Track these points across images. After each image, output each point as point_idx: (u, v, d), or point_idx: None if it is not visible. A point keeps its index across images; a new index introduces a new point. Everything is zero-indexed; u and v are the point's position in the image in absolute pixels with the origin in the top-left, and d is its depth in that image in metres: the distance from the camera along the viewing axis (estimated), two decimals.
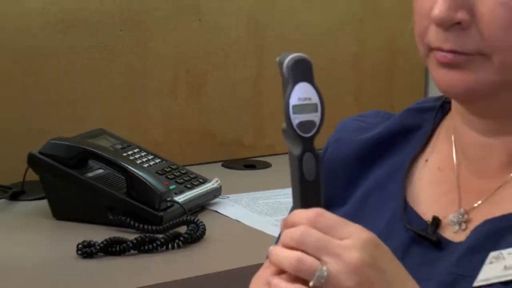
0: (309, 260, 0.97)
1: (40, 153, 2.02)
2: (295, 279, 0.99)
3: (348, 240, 0.99)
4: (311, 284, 0.97)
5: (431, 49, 1.14)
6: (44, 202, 2.06)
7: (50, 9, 2.32)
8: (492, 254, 1.12)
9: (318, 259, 0.98)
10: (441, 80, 1.14)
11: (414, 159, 1.29)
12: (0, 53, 2.28)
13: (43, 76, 2.33)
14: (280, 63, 1.04)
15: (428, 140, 1.30)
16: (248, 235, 2.01)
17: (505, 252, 1.11)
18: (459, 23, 1.09)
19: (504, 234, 1.13)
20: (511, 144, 1.19)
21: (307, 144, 1.04)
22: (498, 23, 1.09)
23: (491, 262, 1.12)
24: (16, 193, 2.17)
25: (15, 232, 1.99)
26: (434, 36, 1.12)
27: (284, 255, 0.99)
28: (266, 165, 2.56)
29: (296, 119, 1.03)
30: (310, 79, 1.04)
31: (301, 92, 1.02)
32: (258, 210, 2.15)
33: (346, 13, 2.78)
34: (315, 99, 1.02)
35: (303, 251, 0.98)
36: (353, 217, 1.17)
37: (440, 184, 1.26)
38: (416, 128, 1.32)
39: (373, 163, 1.32)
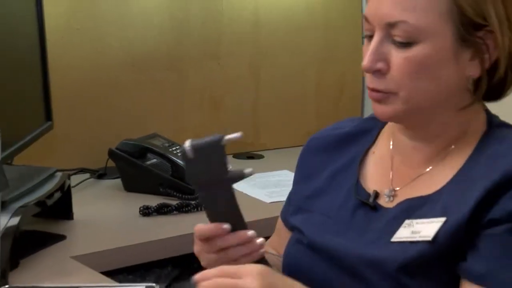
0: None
1: (117, 148, 2.15)
2: None
3: (248, 276, 1.04)
4: None
5: (368, 88, 1.17)
6: (119, 181, 2.19)
7: (124, 49, 2.42)
8: (406, 221, 1.15)
9: None
10: (374, 110, 1.19)
11: (366, 151, 1.31)
12: (91, 80, 2.36)
13: (117, 98, 2.42)
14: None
15: (376, 138, 1.32)
16: (248, 200, 2.06)
17: (414, 221, 1.13)
18: (379, 70, 1.13)
19: (416, 209, 1.16)
20: (426, 148, 1.21)
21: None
22: (402, 71, 1.11)
23: (404, 227, 1.14)
24: (100, 175, 2.29)
25: (100, 199, 2.10)
26: (367, 79, 1.17)
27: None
28: (261, 157, 2.64)
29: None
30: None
31: None
32: (256, 185, 2.21)
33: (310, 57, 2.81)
34: None
35: None
36: (323, 190, 1.32)
37: (380, 169, 1.28)
38: (370, 130, 1.33)
39: (340, 152, 1.34)
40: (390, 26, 1.11)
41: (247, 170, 1.14)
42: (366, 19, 1.15)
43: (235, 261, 1.18)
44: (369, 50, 1.13)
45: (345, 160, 1.33)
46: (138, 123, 2.42)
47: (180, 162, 2.12)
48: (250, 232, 1.18)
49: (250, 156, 2.65)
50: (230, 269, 1.07)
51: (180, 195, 2.05)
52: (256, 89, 2.72)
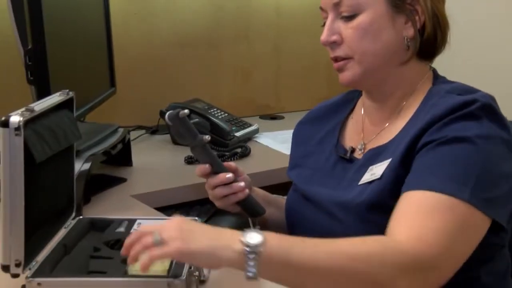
0: (148, 237, 0.92)
1: (166, 110, 2.06)
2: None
3: (164, 223, 0.94)
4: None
5: (331, 59, 1.21)
6: (168, 136, 2.19)
7: (171, 30, 2.41)
8: (370, 167, 1.16)
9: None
10: (339, 79, 1.21)
11: (346, 117, 1.33)
12: (145, 55, 2.36)
13: (166, 69, 2.41)
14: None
15: (354, 106, 1.34)
16: (272, 153, 2.07)
17: (374, 166, 1.15)
18: (335, 42, 1.17)
19: (376, 157, 1.17)
20: (384, 107, 1.22)
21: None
22: (352, 38, 1.15)
23: (368, 172, 1.16)
24: (154, 131, 2.28)
25: (153, 150, 2.10)
26: (329, 50, 1.20)
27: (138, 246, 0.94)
28: (282, 118, 2.62)
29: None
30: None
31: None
32: (277, 140, 2.19)
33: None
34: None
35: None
36: (312, 151, 1.33)
37: (355, 129, 1.30)
38: (351, 99, 1.35)
39: (327, 120, 1.36)
40: (337, 5, 1.16)
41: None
42: (321, 9, 1.20)
43: (225, 197, 1.26)
44: (325, 27, 1.18)
45: (330, 127, 1.34)
46: (183, 90, 2.42)
47: (216, 121, 2.12)
48: (228, 175, 1.25)
49: (273, 117, 2.64)
50: (148, 226, 0.99)
51: (217, 148, 2.05)
52: (278, 63, 2.71)
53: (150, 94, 2.37)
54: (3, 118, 0.94)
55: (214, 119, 2.12)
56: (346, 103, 1.36)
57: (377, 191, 1.10)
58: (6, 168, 0.94)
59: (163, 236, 0.92)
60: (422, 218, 0.98)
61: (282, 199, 1.40)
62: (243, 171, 1.34)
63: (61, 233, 1.19)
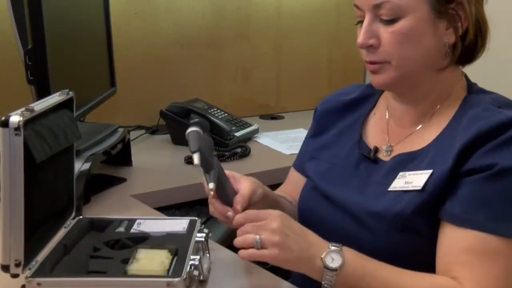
0: (250, 236, 1.04)
1: (166, 110, 2.15)
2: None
3: (268, 219, 1.05)
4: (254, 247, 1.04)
5: (366, 62, 1.16)
6: (168, 136, 2.19)
7: (172, 30, 2.40)
8: (400, 173, 1.14)
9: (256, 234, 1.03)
10: (372, 81, 1.18)
11: (368, 113, 1.30)
12: (146, 55, 2.34)
13: (167, 69, 2.40)
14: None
15: (376, 102, 1.30)
16: (272, 153, 2.08)
17: (407, 173, 1.12)
18: (372, 45, 1.13)
19: (408, 163, 1.15)
20: (415, 110, 1.19)
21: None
22: (391, 43, 1.11)
23: (398, 178, 1.13)
24: (153, 131, 2.28)
25: (153, 150, 2.09)
26: (364, 54, 1.16)
27: (240, 239, 1.05)
28: (282, 118, 2.62)
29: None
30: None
31: None
32: (277, 140, 2.21)
33: (323, 37, 2.74)
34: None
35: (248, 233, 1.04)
36: (330, 143, 1.31)
37: (379, 128, 1.26)
38: (372, 94, 1.32)
39: (347, 114, 1.32)
40: (376, 7, 1.11)
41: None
42: (356, 7, 1.16)
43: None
44: (362, 29, 1.13)
45: (350, 121, 1.31)
46: (184, 90, 2.42)
47: (216, 121, 2.12)
48: (229, 213, 1.15)
49: (274, 117, 2.64)
50: (252, 214, 1.08)
51: (217, 148, 2.05)
52: (279, 63, 2.71)
53: (150, 94, 2.37)
54: (3, 118, 0.94)
55: (214, 119, 2.12)
56: (368, 97, 1.32)
57: (418, 203, 1.08)
58: (6, 168, 0.94)
59: (263, 237, 1.02)
60: (482, 265, 1.01)
61: (285, 202, 1.36)
62: (241, 179, 1.22)
63: (61, 233, 1.19)
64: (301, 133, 2.28)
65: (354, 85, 1.39)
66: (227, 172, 1.16)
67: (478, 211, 1.03)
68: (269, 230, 1.03)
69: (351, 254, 1.05)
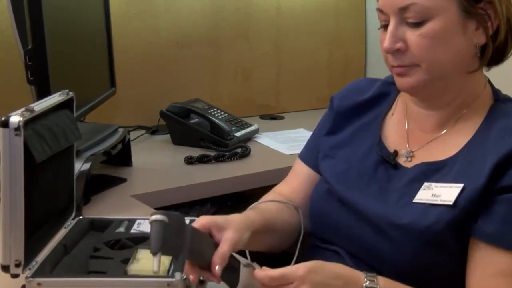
0: None
1: (166, 110, 2.14)
2: None
3: (295, 282, 0.94)
4: None
5: (392, 66, 1.11)
6: (168, 136, 2.18)
7: (172, 30, 2.39)
8: (425, 184, 1.08)
9: None
10: (398, 84, 1.12)
11: (386, 113, 1.25)
12: (146, 55, 2.34)
13: (166, 69, 2.39)
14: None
15: (393, 102, 1.25)
16: (272, 153, 2.08)
17: (433, 184, 1.07)
18: (399, 49, 1.08)
19: (433, 173, 1.09)
20: (438, 115, 1.14)
21: None
22: (419, 46, 1.06)
23: (424, 189, 1.08)
24: (153, 131, 2.27)
25: (153, 150, 2.09)
26: (390, 58, 1.10)
27: None
28: (282, 118, 2.61)
29: None
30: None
31: None
32: (277, 140, 2.20)
33: (323, 38, 2.74)
34: None
35: None
36: (345, 142, 1.25)
37: (398, 131, 1.21)
38: (387, 94, 1.27)
39: (363, 113, 1.27)
40: (402, 10, 1.06)
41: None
42: (380, 11, 1.10)
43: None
44: (387, 34, 1.08)
45: (367, 120, 1.26)
46: (184, 90, 2.41)
47: (217, 121, 2.11)
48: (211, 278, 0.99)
49: (273, 117, 2.63)
50: (276, 278, 0.95)
51: (217, 148, 2.06)
52: (278, 64, 2.70)
53: (150, 94, 2.37)
54: (3, 118, 0.94)
55: (214, 119, 2.12)
56: (385, 96, 1.27)
57: (449, 219, 1.03)
58: (6, 168, 0.94)
59: None
60: None
61: (279, 218, 1.24)
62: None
63: (61, 233, 1.19)
64: (301, 133, 2.30)
65: (367, 80, 1.33)
66: (209, 221, 0.99)
67: (511, 230, 1.00)
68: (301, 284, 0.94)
69: (387, 283, 1.01)
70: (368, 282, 0.98)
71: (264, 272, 0.95)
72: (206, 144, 2.08)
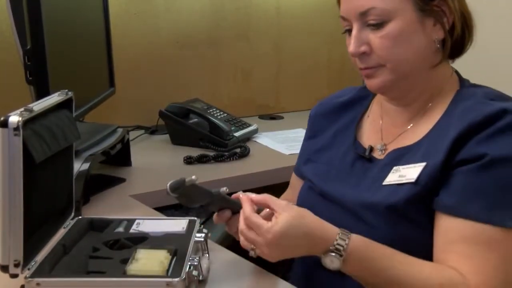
0: (247, 243, 1.05)
1: (166, 110, 2.15)
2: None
3: (260, 238, 1.03)
4: (250, 254, 1.07)
5: (360, 68, 1.17)
6: (167, 136, 2.18)
7: (172, 30, 2.40)
8: (394, 168, 1.15)
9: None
10: (367, 85, 1.19)
11: (362, 114, 1.31)
12: (145, 55, 2.35)
13: (166, 69, 2.40)
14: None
15: (369, 104, 1.32)
16: (271, 153, 2.08)
17: (400, 167, 1.14)
18: (364, 52, 1.15)
19: (401, 157, 1.16)
20: (409, 109, 1.20)
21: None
22: (382, 47, 1.12)
23: (393, 172, 1.15)
24: (153, 131, 2.28)
25: (152, 150, 2.09)
26: (357, 61, 1.17)
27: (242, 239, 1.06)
28: (281, 118, 2.62)
29: None
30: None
31: None
32: (277, 140, 2.20)
33: (322, 38, 2.72)
34: None
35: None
36: (326, 146, 1.32)
37: (373, 129, 1.28)
38: (365, 97, 1.33)
39: (341, 116, 1.34)
40: (363, 14, 1.12)
41: (223, 189, 1.12)
42: (343, 18, 1.17)
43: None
44: (352, 39, 1.14)
45: (344, 122, 1.32)
46: (183, 90, 2.42)
47: (216, 121, 2.11)
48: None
49: (273, 117, 2.64)
50: (253, 222, 1.05)
51: (216, 148, 2.06)
52: (278, 63, 2.71)
53: (149, 94, 2.37)
54: (2, 118, 0.94)
55: (213, 119, 2.12)
56: (361, 99, 1.34)
57: (412, 195, 1.08)
58: (5, 168, 0.94)
59: (258, 252, 1.03)
60: (479, 255, 1.02)
61: None
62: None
63: (60, 233, 1.19)
64: (301, 133, 2.25)
65: (348, 88, 1.40)
66: (262, 196, 1.10)
67: (471, 201, 1.04)
68: (265, 245, 1.02)
69: (360, 242, 1.06)
70: (339, 240, 1.03)
71: (250, 211, 1.06)
72: (205, 144, 2.08)
